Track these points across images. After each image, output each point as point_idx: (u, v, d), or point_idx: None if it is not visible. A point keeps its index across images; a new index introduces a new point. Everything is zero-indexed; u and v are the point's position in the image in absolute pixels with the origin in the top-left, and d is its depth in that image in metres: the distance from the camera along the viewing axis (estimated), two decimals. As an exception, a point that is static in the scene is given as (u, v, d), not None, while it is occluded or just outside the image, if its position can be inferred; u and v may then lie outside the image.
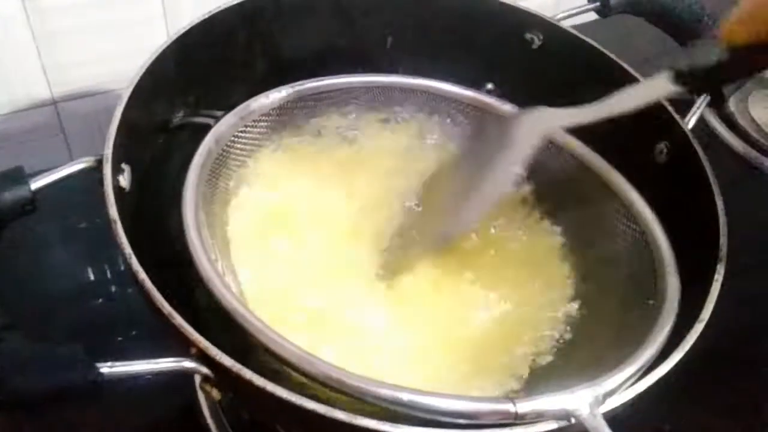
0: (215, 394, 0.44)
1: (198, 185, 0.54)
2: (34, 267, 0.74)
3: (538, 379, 0.56)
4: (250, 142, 0.64)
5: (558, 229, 0.66)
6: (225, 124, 0.60)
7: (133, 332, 0.70)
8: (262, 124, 0.64)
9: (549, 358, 0.57)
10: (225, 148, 0.60)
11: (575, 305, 0.60)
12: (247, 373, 0.42)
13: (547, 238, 0.65)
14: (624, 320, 0.55)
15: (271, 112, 0.64)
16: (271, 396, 0.41)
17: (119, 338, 0.69)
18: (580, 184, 0.64)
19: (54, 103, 0.84)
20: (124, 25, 0.82)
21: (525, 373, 0.56)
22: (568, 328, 0.59)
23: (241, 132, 0.62)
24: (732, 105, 0.96)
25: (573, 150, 0.64)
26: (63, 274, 0.74)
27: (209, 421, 0.62)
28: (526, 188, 0.67)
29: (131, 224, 0.51)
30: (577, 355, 0.57)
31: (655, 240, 0.56)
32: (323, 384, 0.43)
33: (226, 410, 0.63)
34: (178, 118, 0.64)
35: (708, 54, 0.51)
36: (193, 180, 0.54)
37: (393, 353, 0.56)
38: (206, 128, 0.59)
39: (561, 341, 0.59)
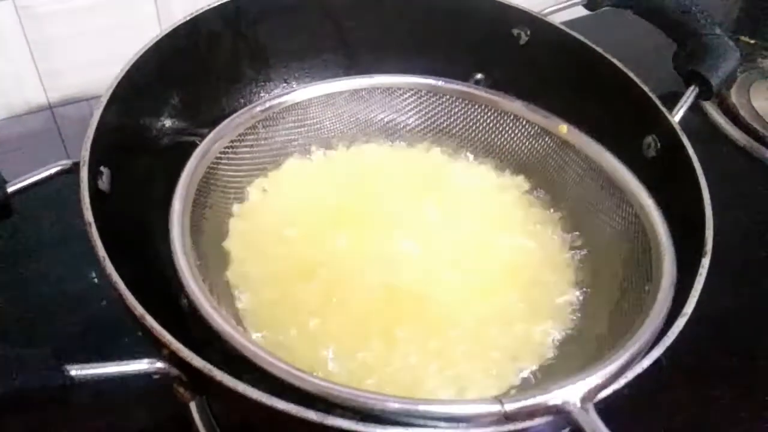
0: (188, 396, 0.44)
1: (185, 208, 0.54)
2: (40, 268, 0.74)
3: (539, 371, 0.56)
4: (238, 157, 0.64)
5: (557, 215, 0.66)
6: (210, 142, 0.60)
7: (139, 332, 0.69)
8: (250, 137, 0.64)
9: (552, 348, 0.57)
10: (212, 166, 0.60)
11: (577, 292, 0.60)
12: (218, 375, 0.41)
13: (547, 225, 0.65)
14: (621, 307, 0.55)
15: (256, 125, 0.64)
16: (243, 397, 0.41)
17: (125, 339, 0.68)
18: (572, 168, 0.64)
19: (51, 107, 0.85)
20: (118, 29, 0.82)
21: (530, 364, 0.56)
22: (570, 316, 0.59)
23: (228, 148, 0.62)
24: (734, 96, 0.95)
25: (566, 137, 0.64)
26: (67, 276, 0.74)
27: (199, 426, 0.62)
28: (524, 180, 0.68)
29: (114, 227, 0.51)
30: (579, 342, 0.57)
31: (651, 223, 0.56)
32: (312, 396, 0.43)
33: (216, 415, 0.63)
34: (163, 122, 0.64)
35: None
36: (178, 206, 0.54)
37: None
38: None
39: (563, 330, 0.58)
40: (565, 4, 0.73)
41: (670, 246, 0.54)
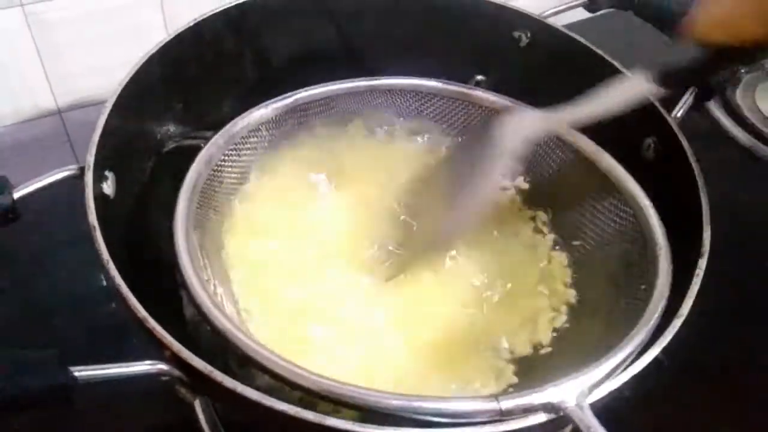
0: (189, 396, 0.45)
1: (189, 209, 0.55)
2: (48, 271, 0.75)
3: (536, 370, 0.56)
4: (242, 159, 0.64)
5: (549, 215, 0.66)
6: (214, 146, 0.60)
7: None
8: (252, 140, 0.64)
9: (548, 348, 0.58)
10: (216, 168, 0.60)
11: (573, 292, 0.61)
12: (218, 376, 0.42)
13: (539, 226, 0.66)
14: (617, 306, 0.55)
15: (259, 127, 0.64)
16: (242, 398, 0.42)
17: (134, 340, 0.69)
18: (569, 168, 0.64)
19: (59, 112, 0.86)
20: (126, 35, 0.83)
21: (526, 362, 0.57)
22: (566, 316, 0.60)
23: (232, 151, 0.62)
24: (739, 98, 0.94)
25: (561, 134, 0.64)
26: (76, 279, 0.75)
27: (204, 425, 0.63)
28: (522, 181, 0.68)
29: (118, 230, 0.52)
30: (576, 342, 0.57)
31: (647, 221, 0.56)
32: (314, 393, 0.44)
33: (221, 415, 0.63)
34: (167, 126, 0.65)
35: (684, 53, 0.51)
36: (183, 207, 0.54)
37: (391, 350, 0.57)
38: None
39: (559, 329, 0.59)
40: (566, 6, 0.73)
41: (666, 246, 0.54)
